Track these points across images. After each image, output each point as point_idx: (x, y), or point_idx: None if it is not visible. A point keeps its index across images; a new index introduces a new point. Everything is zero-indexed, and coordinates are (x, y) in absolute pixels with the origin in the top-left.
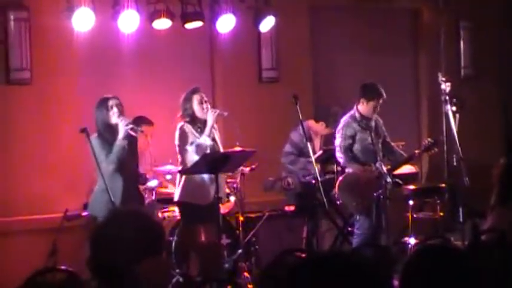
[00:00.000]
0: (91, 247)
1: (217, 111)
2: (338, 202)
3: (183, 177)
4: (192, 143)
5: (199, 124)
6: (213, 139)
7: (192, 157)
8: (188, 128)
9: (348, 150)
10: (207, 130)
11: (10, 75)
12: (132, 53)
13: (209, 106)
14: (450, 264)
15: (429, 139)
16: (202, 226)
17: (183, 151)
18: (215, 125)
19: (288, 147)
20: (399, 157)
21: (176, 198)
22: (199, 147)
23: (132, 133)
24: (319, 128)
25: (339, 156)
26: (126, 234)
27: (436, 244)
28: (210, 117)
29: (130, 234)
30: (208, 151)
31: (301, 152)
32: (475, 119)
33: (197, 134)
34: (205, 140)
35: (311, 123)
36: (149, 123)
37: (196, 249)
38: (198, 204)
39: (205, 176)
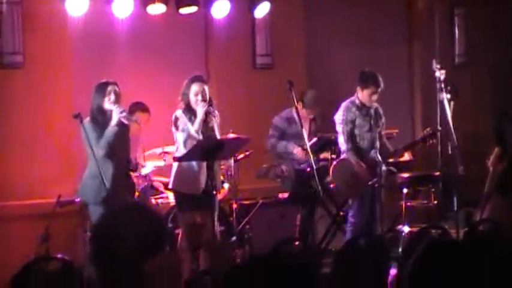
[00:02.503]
0: (93, 242)
1: (206, 106)
2: (331, 186)
3: (176, 164)
4: (183, 130)
5: (191, 114)
6: (212, 128)
7: (182, 145)
8: (182, 115)
9: (350, 137)
10: (195, 124)
11: (2, 59)
12: (126, 38)
13: (203, 98)
14: (457, 260)
15: (428, 129)
16: (199, 212)
17: (176, 137)
18: (216, 112)
19: (270, 131)
20: (386, 152)
21: (170, 185)
22: (189, 137)
23: (125, 121)
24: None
25: (341, 142)
26: (131, 231)
27: (444, 240)
28: (199, 111)
29: (134, 231)
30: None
31: (284, 134)
32: (470, 106)
33: (189, 124)
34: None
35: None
36: (145, 109)
37: (203, 245)
38: (189, 194)
39: (196, 165)
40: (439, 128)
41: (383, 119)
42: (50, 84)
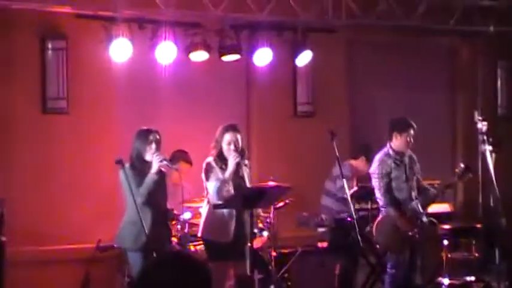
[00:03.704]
0: None
1: (238, 158)
2: (378, 246)
3: (206, 211)
4: (215, 179)
5: (223, 163)
6: (241, 177)
7: (213, 193)
8: (213, 163)
9: (387, 191)
10: (226, 175)
11: (47, 105)
12: (169, 84)
13: (234, 148)
14: None
15: (461, 165)
16: (231, 262)
17: (207, 185)
18: (246, 162)
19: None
20: (430, 194)
21: (199, 233)
22: (222, 185)
23: (165, 170)
24: (360, 164)
25: (379, 197)
26: (174, 280)
27: None
28: (231, 161)
29: (178, 280)
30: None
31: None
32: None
33: (220, 173)
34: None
35: (353, 162)
36: (188, 161)
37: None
38: (219, 242)
39: (226, 212)
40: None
41: (418, 165)
42: (93, 130)
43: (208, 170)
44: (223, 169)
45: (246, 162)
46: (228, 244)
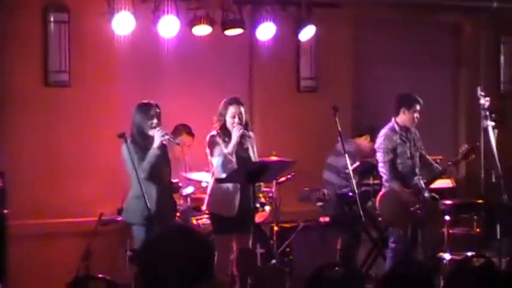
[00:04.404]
0: (138, 263)
1: (242, 129)
2: (380, 219)
3: (211, 185)
4: (219, 154)
5: (226, 136)
6: (246, 149)
7: (217, 167)
8: (217, 137)
9: (392, 166)
10: (229, 147)
11: (49, 78)
12: (171, 58)
13: (239, 121)
14: None
15: (466, 145)
16: (235, 236)
17: (211, 160)
18: (252, 135)
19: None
20: (436, 170)
21: (204, 206)
22: (226, 159)
23: (167, 143)
24: (364, 143)
25: (382, 171)
26: (179, 254)
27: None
28: (235, 134)
29: (181, 253)
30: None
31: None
32: None
33: (223, 147)
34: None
35: (357, 140)
36: (191, 133)
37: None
38: (224, 215)
39: (230, 186)
40: (478, 143)
41: (420, 142)
42: (96, 103)
43: (212, 144)
44: (226, 142)
45: (251, 134)
46: (233, 218)
